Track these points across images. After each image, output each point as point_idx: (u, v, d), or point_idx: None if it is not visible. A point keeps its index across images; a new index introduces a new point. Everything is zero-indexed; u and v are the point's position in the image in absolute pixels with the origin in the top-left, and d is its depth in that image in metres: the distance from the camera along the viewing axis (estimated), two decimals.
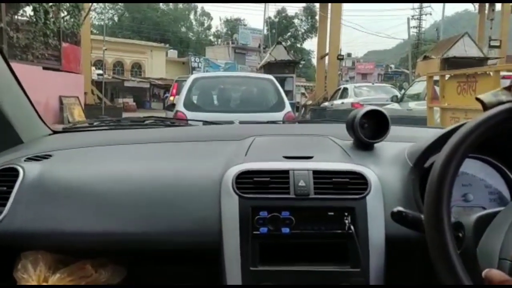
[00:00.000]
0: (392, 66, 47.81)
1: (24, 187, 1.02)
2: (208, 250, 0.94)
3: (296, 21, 48.26)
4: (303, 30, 48.25)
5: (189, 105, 5.13)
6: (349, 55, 45.08)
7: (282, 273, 0.90)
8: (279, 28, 44.72)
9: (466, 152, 0.71)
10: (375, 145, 1.15)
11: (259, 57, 26.41)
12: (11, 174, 1.04)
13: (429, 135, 0.99)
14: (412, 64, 20.24)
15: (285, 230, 0.90)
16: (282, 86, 14.54)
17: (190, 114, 4.76)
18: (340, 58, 18.58)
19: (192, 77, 5.82)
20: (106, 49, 16.24)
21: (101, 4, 33.99)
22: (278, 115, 4.97)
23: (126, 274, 1.07)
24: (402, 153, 1.05)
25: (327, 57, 18.53)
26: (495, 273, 0.62)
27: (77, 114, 11.42)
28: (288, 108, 5.26)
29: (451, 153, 0.71)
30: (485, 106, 0.76)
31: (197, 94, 5.56)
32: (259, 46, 28.92)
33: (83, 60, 13.90)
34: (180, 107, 5.05)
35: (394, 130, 1.14)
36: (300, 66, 31.18)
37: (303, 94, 24.01)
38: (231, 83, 6.14)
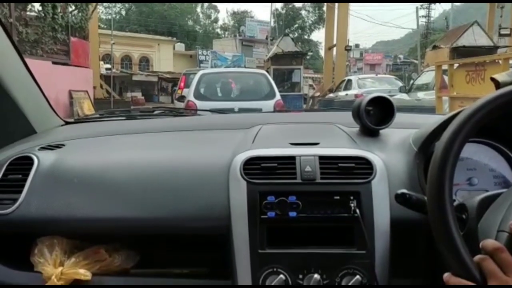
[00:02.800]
0: (401, 56, 47.22)
1: (39, 175, 1.05)
2: (218, 234, 0.97)
3: (303, 12, 47.95)
4: (310, 22, 47.91)
5: (197, 95, 6.43)
6: (357, 46, 44.68)
7: (289, 255, 0.92)
8: (286, 20, 44.47)
9: (469, 134, 0.72)
10: (381, 131, 1.17)
11: (267, 49, 26.28)
12: (26, 162, 1.08)
13: (434, 120, 1.00)
14: (421, 54, 20.00)
15: (292, 214, 0.92)
16: (290, 78, 14.73)
17: (198, 103, 6.07)
18: (347, 49, 18.40)
19: (200, 72, 7.24)
20: (114, 43, 16.28)
21: None
22: (270, 103, 6.34)
23: (139, 259, 1.10)
24: (407, 139, 1.07)
25: (334, 48, 18.38)
26: (489, 242, 0.64)
27: (87, 108, 11.51)
28: (278, 97, 6.59)
29: (453, 135, 0.72)
30: (498, 86, 0.77)
31: (204, 87, 6.77)
32: (266, 38, 28.76)
33: (92, 55, 13.91)
34: (190, 97, 6.37)
35: (399, 117, 1.16)
36: (308, 57, 31.02)
37: (310, 85, 23.92)
38: (232, 77, 7.41)
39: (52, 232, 1.03)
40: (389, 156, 1.03)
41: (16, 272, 1.01)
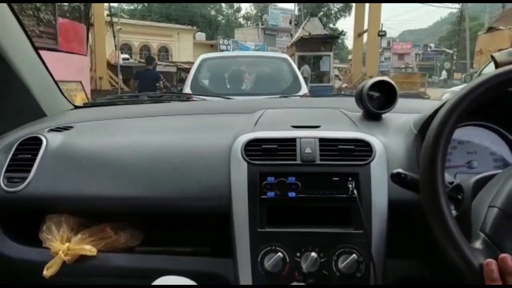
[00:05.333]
0: (432, 45, 45.72)
1: (47, 155, 1.10)
2: (219, 213, 0.99)
3: None
4: (336, 9, 47.01)
5: (196, 88, 4.43)
6: (384, 34, 43.45)
7: (288, 234, 0.94)
8: (311, 7, 43.80)
9: (463, 113, 0.71)
10: (383, 116, 1.17)
11: (290, 37, 25.83)
12: (35, 143, 1.12)
13: (436, 103, 0.99)
14: (455, 42, 18.28)
15: (292, 194, 0.94)
16: (317, 66, 12.88)
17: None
18: (381, 34, 15.68)
19: (201, 57, 5.07)
20: (120, 29, 14.80)
21: None
22: None
23: (144, 238, 1.13)
24: (408, 122, 1.07)
25: (365, 35, 15.87)
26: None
27: (80, 102, 10.50)
28: (304, 89, 4.59)
29: (447, 114, 0.71)
30: (497, 65, 0.75)
31: (207, 77, 5.04)
32: (290, 22, 27.93)
33: (97, 42, 12.88)
34: (187, 90, 4.37)
35: (402, 102, 1.16)
36: (339, 42, 28.94)
37: (336, 76, 22.49)
38: (243, 63, 5.40)
39: (59, 209, 1.07)
40: (390, 139, 1.03)
41: (26, 247, 1.06)
